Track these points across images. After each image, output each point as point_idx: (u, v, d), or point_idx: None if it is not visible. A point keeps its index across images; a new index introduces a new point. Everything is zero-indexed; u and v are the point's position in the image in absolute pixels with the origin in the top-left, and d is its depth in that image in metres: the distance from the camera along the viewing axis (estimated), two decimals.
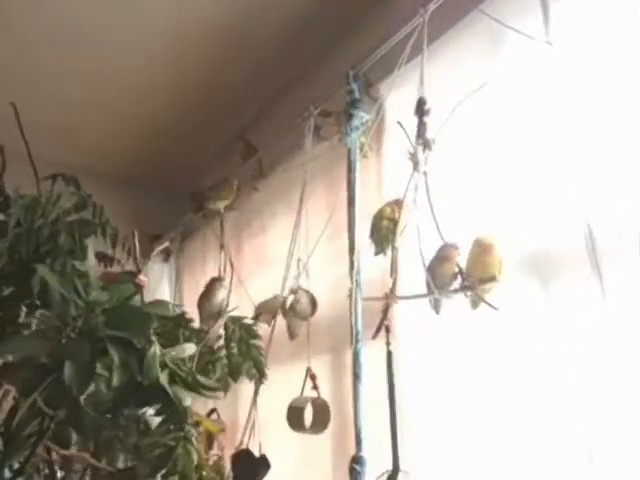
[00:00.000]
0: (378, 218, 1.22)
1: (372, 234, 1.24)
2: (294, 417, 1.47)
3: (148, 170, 2.51)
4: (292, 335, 1.61)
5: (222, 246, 2.03)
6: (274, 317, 1.67)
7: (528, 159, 1.16)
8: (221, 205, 1.83)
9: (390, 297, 1.17)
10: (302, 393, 1.54)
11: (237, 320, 1.51)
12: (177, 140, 2.37)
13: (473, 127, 1.26)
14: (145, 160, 2.47)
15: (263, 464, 1.50)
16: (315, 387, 1.52)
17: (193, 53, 1.94)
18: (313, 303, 1.60)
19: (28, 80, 1.99)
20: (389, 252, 1.28)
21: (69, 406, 0.83)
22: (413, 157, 1.16)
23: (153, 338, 0.88)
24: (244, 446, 1.58)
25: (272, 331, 1.66)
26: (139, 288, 0.95)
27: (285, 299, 1.64)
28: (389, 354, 1.21)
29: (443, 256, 1.09)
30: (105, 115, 2.25)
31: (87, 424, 0.83)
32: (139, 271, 1.04)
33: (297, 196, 1.83)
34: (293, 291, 1.63)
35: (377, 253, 1.23)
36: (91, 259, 0.91)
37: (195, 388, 0.88)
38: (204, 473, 0.91)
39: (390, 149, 1.55)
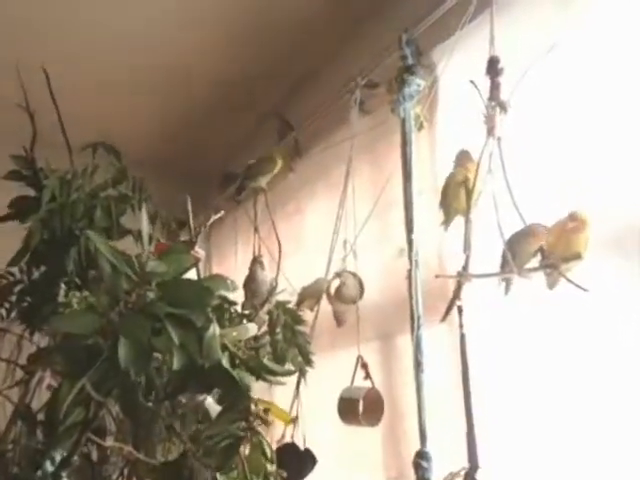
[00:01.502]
0: (451, 184, 1.10)
1: (442, 203, 1.12)
2: (348, 409, 1.37)
3: (176, 153, 2.41)
4: (340, 322, 1.51)
5: (256, 229, 1.93)
6: (318, 302, 1.56)
7: (614, 122, 1.04)
8: (263, 181, 1.72)
9: (463, 275, 1.06)
10: (352, 383, 1.43)
11: (281, 305, 1.40)
12: (206, 121, 2.26)
13: (548, 90, 1.14)
14: (173, 143, 2.37)
15: (309, 459, 1.40)
16: (368, 376, 1.41)
17: (220, 27, 1.82)
18: (361, 286, 1.50)
19: (62, 58, 1.90)
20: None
21: (122, 392, 0.73)
22: (488, 120, 1.05)
23: (212, 317, 0.78)
24: (287, 439, 1.48)
25: (315, 317, 1.56)
26: (196, 261, 0.85)
27: (330, 283, 1.53)
28: (462, 338, 1.10)
29: (529, 232, 0.98)
30: (132, 96, 2.16)
31: (141, 413, 0.73)
32: (194, 242, 0.94)
33: (338, 174, 1.73)
34: (338, 274, 1.52)
35: (444, 223, 1.11)
36: (145, 225, 0.81)
37: (259, 372, 0.78)
38: (269, 467, 0.81)
39: (444, 120, 1.44)
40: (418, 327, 1.23)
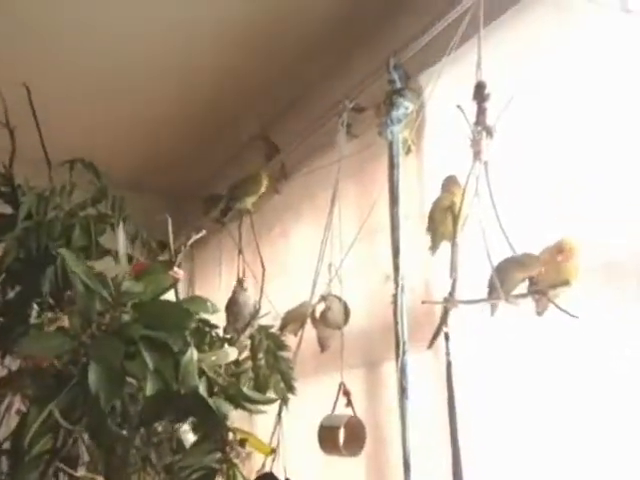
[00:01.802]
0: (438, 209, 1.09)
1: (429, 227, 1.11)
2: (328, 438, 1.33)
3: (161, 174, 2.38)
4: (323, 347, 1.47)
5: (240, 251, 1.90)
6: (302, 327, 1.53)
7: (602, 147, 1.04)
8: (249, 202, 1.70)
9: (450, 301, 1.04)
10: (334, 410, 1.40)
11: (264, 329, 1.37)
12: (189, 141, 2.24)
13: (536, 115, 1.14)
14: (156, 163, 2.34)
15: None
16: (350, 404, 1.38)
17: (209, 49, 1.81)
18: (346, 311, 1.47)
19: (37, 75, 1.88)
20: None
21: (92, 419, 0.69)
22: (474, 144, 1.04)
23: (190, 340, 0.75)
24: (267, 469, 1.44)
25: (299, 342, 1.53)
26: (174, 282, 0.82)
27: (314, 307, 1.50)
28: (449, 365, 1.07)
29: (518, 261, 0.96)
30: (115, 116, 2.13)
31: (114, 441, 0.69)
32: (173, 262, 0.91)
33: (324, 198, 1.71)
34: (324, 298, 1.50)
35: (431, 249, 1.10)
36: (122, 244, 0.78)
37: (238, 401, 0.75)
38: None
39: (431, 145, 1.43)
40: (403, 353, 1.20)
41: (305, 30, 1.69)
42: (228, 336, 1.36)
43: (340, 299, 1.48)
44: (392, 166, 1.37)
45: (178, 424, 0.78)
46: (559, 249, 0.93)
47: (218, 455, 0.75)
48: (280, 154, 1.90)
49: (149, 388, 0.67)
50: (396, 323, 1.23)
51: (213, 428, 0.73)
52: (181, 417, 0.76)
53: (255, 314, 1.20)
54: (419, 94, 1.39)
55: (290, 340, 1.47)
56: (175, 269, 0.89)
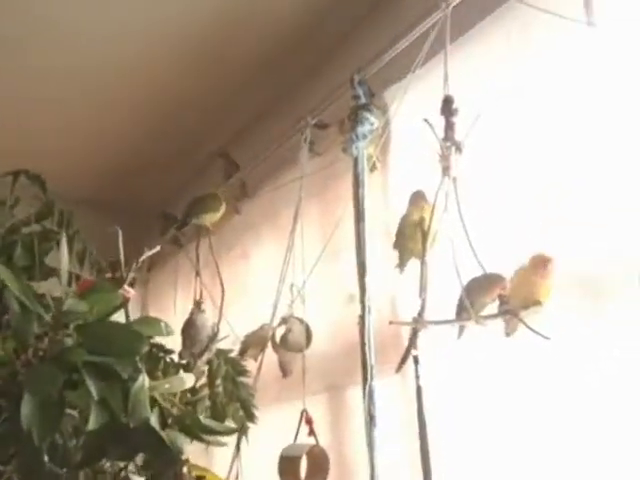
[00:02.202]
0: (407, 224, 1.04)
1: (396, 244, 1.06)
2: (288, 469, 1.26)
3: (116, 189, 2.28)
4: (285, 372, 1.40)
5: (198, 273, 1.82)
6: (262, 351, 1.46)
7: (572, 160, 1.02)
8: (207, 220, 1.62)
9: (419, 321, 0.99)
10: (295, 440, 1.32)
11: (222, 353, 1.29)
12: (149, 156, 2.15)
13: (503, 130, 1.12)
14: (113, 177, 2.24)
15: None
16: (312, 432, 1.30)
17: (167, 59, 1.75)
18: (308, 333, 1.40)
19: None
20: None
21: (25, 459, 0.61)
22: (443, 160, 1.00)
23: (141, 366, 0.67)
24: None
25: (259, 367, 1.45)
26: (124, 301, 0.74)
27: (275, 330, 1.44)
28: (419, 390, 1.01)
29: (488, 281, 0.92)
30: (67, 131, 2.03)
31: None
32: (124, 279, 0.83)
33: (285, 217, 1.67)
34: (284, 320, 1.43)
35: (399, 266, 1.05)
36: (64, 260, 0.70)
37: (195, 432, 0.67)
38: None
39: (396, 162, 1.40)
40: (371, 377, 1.14)
41: (267, 44, 1.65)
42: (184, 361, 1.27)
43: (302, 321, 1.41)
44: (357, 183, 1.33)
45: (126, 461, 0.70)
46: (534, 265, 0.90)
47: None
48: (240, 172, 1.84)
49: (92, 421, 0.59)
50: (363, 346, 1.17)
51: (166, 465, 0.65)
52: (130, 453, 0.67)
53: (214, 337, 1.12)
54: (385, 110, 1.36)
55: (250, 365, 1.39)
56: (125, 287, 0.82)
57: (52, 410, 0.57)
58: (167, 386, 0.70)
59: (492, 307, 1.00)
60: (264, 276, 1.73)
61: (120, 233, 0.85)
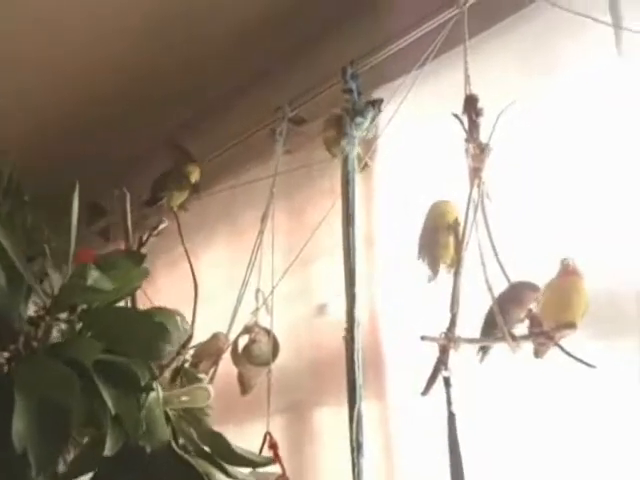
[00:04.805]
0: (439, 228, 0.92)
1: (421, 251, 0.94)
2: None
3: (42, 175, 1.99)
4: (245, 388, 1.24)
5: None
6: (216, 363, 1.29)
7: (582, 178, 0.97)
8: (176, 200, 1.45)
9: (451, 338, 0.86)
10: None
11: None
12: (84, 143, 1.90)
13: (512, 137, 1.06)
14: (40, 162, 1.95)
15: None
16: (277, 459, 1.14)
17: (114, 38, 1.54)
18: (275, 345, 1.25)
19: None
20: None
21: None
22: (474, 160, 0.91)
23: (156, 371, 0.51)
24: None
25: (211, 381, 1.28)
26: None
27: (237, 340, 1.27)
28: (452, 417, 0.86)
29: (521, 296, 0.84)
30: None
31: None
32: (140, 251, 0.65)
33: (245, 218, 1.53)
34: (248, 329, 1.27)
35: (431, 279, 0.92)
36: (75, 213, 0.52)
37: (223, 462, 0.51)
38: None
39: (383, 164, 1.31)
40: (360, 399, 1.01)
41: (237, 26, 1.48)
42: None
43: (269, 331, 1.27)
44: (347, 183, 1.21)
45: None
46: (567, 279, 0.82)
47: None
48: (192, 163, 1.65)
49: (110, 444, 0.41)
50: (350, 363, 1.04)
51: None
52: None
53: (187, 343, 0.94)
54: (377, 110, 1.26)
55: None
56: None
57: (57, 424, 0.39)
58: (184, 398, 0.53)
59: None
60: (215, 280, 1.57)
61: (128, 196, 0.68)
